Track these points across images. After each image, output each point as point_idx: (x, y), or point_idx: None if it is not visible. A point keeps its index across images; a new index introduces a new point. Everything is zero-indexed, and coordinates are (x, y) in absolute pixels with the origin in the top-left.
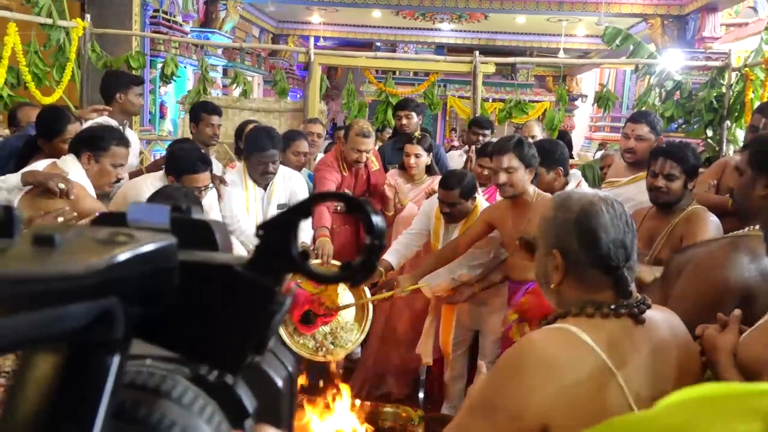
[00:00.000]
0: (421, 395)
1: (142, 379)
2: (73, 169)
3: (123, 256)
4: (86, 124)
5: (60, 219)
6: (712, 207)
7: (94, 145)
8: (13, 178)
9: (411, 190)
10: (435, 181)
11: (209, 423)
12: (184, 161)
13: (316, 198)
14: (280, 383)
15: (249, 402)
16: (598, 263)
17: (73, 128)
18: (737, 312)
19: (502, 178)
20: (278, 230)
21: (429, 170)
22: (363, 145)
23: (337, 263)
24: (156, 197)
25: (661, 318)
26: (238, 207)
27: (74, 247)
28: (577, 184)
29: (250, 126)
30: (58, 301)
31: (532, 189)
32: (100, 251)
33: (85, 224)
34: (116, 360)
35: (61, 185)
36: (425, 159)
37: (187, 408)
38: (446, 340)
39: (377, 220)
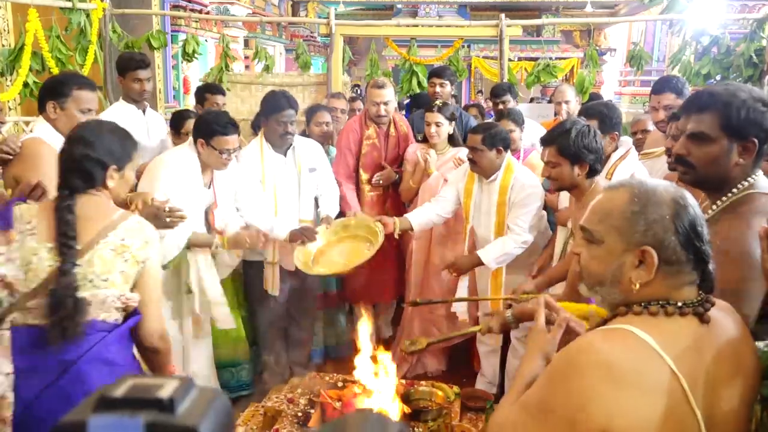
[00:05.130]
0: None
1: None
2: (38, 127)
3: None
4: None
5: None
6: None
7: (56, 91)
8: None
9: (436, 161)
10: (460, 152)
11: None
12: (214, 124)
13: None
14: None
15: None
16: (695, 259)
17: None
18: None
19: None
20: None
21: (453, 141)
22: (379, 97)
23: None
24: None
25: (720, 314)
26: (248, 189)
27: None
28: (626, 152)
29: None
30: None
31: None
32: None
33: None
34: None
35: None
36: (446, 127)
37: None
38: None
39: None
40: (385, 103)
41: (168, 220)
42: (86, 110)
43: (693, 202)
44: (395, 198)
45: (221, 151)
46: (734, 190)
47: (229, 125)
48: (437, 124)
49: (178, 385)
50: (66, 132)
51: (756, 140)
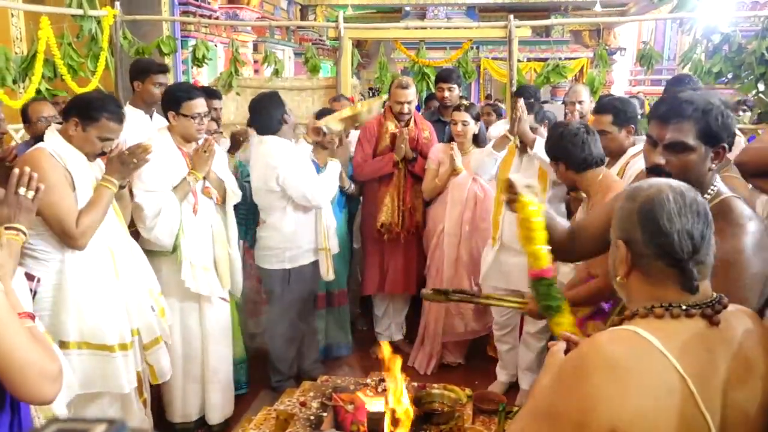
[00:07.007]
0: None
1: None
2: (49, 137)
3: None
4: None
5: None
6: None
7: (86, 113)
8: None
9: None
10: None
11: None
12: (178, 91)
13: None
14: None
15: None
16: (661, 255)
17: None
18: None
19: None
20: None
21: (477, 141)
22: (402, 97)
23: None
24: None
25: (734, 316)
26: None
27: None
28: (640, 150)
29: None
30: None
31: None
32: None
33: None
34: None
35: None
36: (472, 127)
37: None
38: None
39: None
40: (408, 103)
41: (135, 160)
42: (105, 139)
43: (679, 199)
44: (412, 193)
45: (193, 117)
46: (706, 196)
47: (193, 89)
48: (464, 123)
49: (106, 430)
50: (78, 149)
51: (726, 145)
